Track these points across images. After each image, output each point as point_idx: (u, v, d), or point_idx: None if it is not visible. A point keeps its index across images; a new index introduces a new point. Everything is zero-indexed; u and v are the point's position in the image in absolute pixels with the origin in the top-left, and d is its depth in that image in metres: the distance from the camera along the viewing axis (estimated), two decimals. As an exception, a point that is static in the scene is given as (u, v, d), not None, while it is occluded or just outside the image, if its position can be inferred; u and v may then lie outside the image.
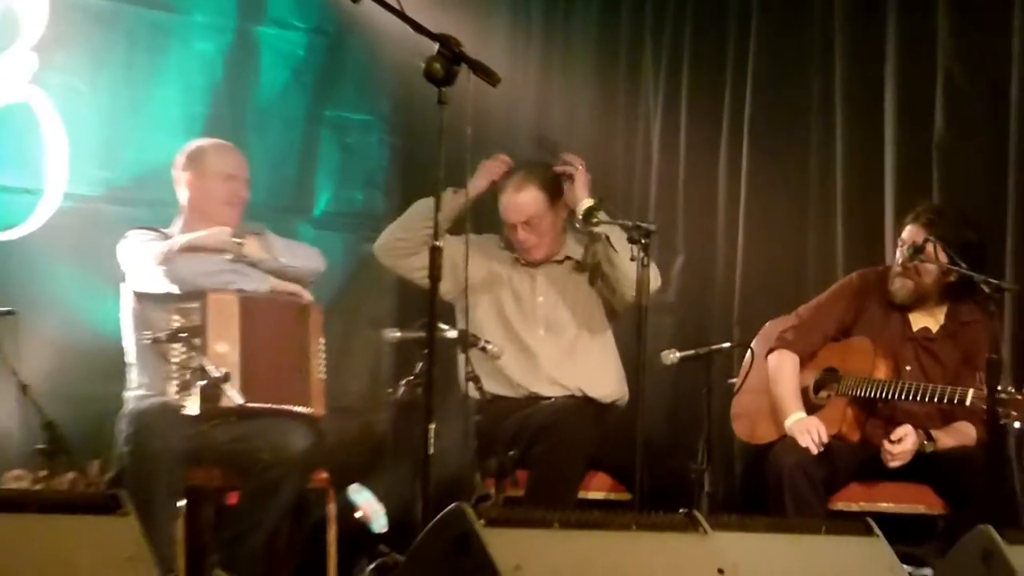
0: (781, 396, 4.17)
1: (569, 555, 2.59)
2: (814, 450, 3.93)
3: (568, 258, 4.40)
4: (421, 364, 3.51)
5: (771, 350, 4.27)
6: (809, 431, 3.95)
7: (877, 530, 3.05)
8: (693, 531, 2.78)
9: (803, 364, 4.32)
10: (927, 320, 4.20)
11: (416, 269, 4.20)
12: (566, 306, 4.41)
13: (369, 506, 4.40)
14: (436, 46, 3.10)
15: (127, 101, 5.04)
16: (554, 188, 4.34)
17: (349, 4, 3.66)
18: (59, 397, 4.30)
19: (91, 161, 4.97)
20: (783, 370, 4.24)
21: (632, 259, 3.99)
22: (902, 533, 3.62)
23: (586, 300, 4.41)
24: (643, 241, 3.90)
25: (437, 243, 3.11)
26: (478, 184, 4.29)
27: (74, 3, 4.89)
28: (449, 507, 2.53)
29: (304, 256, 4.46)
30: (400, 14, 3.17)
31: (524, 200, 4.32)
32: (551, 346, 4.40)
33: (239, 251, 4.21)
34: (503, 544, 2.45)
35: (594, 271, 4.41)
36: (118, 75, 5.03)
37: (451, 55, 3.11)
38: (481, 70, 3.15)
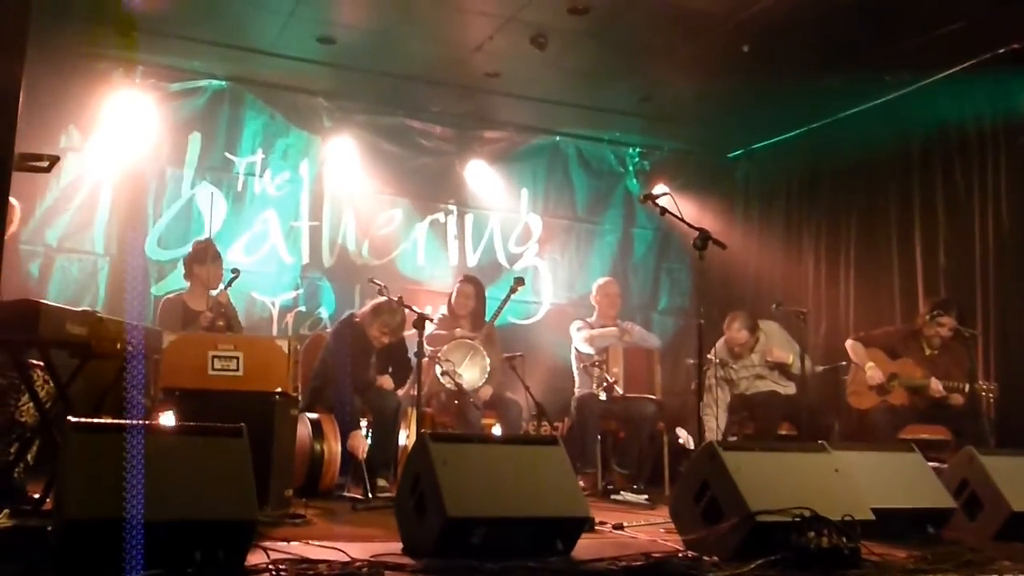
0: (867, 372, 6.31)
1: (764, 462, 3.69)
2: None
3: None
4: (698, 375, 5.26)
5: (854, 341, 6.57)
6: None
7: (916, 449, 4.52)
8: (824, 451, 3.96)
9: (878, 364, 6.28)
10: (933, 349, 6.38)
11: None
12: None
13: (685, 437, 6.74)
14: (697, 232, 5.00)
15: (577, 263, 8.50)
16: (753, 324, 6.92)
17: (664, 216, 5.29)
18: (542, 390, 6.50)
19: (562, 288, 8.45)
20: (857, 349, 6.44)
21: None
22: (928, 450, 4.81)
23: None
24: (803, 315, 6.63)
25: (701, 321, 5.10)
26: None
27: (553, 223, 8.47)
28: (706, 441, 3.91)
29: (650, 337, 7.23)
30: (681, 219, 5.16)
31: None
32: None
33: (622, 336, 7.00)
34: (730, 458, 3.62)
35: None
36: (572, 251, 8.52)
37: (704, 235, 4.97)
38: (717, 242, 5.02)
